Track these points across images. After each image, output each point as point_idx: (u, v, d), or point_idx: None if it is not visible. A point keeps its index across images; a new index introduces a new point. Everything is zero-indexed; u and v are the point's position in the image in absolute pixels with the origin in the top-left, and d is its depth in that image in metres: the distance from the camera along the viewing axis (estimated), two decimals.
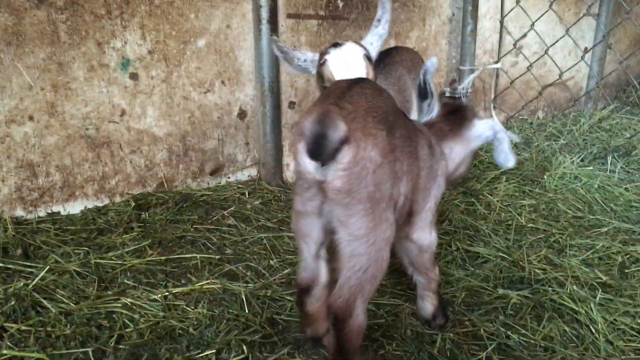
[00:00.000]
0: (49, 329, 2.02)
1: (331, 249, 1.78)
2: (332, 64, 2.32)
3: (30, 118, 2.81)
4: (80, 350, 1.93)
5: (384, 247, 1.69)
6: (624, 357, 2.07)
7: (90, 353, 1.91)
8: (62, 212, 2.98)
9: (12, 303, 2.10)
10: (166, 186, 3.24)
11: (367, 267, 1.67)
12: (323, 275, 1.88)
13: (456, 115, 2.26)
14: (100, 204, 3.07)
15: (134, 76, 3.01)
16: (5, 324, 2.01)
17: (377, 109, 1.69)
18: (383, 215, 1.66)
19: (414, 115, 2.76)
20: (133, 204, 3.01)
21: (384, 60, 3.04)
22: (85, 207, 3.03)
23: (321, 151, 1.54)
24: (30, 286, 2.21)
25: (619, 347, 2.12)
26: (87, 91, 2.91)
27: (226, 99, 3.31)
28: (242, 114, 3.38)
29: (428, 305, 2.19)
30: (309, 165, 1.60)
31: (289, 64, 2.48)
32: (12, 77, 2.72)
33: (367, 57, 2.38)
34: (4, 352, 1.87)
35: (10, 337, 1.96)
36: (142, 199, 3.11)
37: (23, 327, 2.01)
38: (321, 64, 2.36)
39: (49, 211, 2.95)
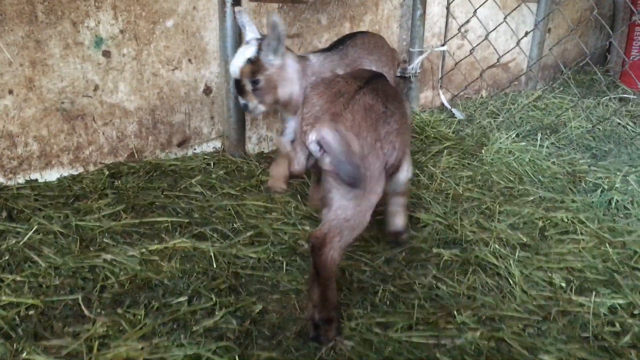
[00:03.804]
0: (40, 279, 2.30)
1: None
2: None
3: (10, 92, 3.02)
4: (70, 297, 2.22)
5: (368, 210, 2.13)
6: (534, 302, 2.46)
7: (80, 299, 2.20)
8: (40, 180, 3.21)
9: (7, 257, 2.38)
10: (136, 156, 3.50)
11: (350, 219, 2.08)
12: None
13: None
14: (75, 172, 3.31)
15: (106, 54, 3.24)
16: (1, 275, 2.29)
17: (372, 115, 2.12)
18: (372, 188, 2.10)
19: None
20: (107, 173, 3.27)
21: (345, 41, 3.33)
22: (61, 175, 3.27)
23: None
24: (21, 243, 2.48)
25: (532, 296, 2.49)
26: (62, 67, 3.13)
27: (193, 76, 3.57)
28: (207, 90, 3.65)
29: (399, 220, 2.68)
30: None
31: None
32: None
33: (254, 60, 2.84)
34: (3, 298, 2.15)
35: (7, 287, 2.24)
36: (114, 168, 3.36)
37: (18, 278, 2.28)
38: None
39: (27, 178, 3.18)
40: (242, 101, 2.96)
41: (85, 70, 3.20)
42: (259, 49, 2.83)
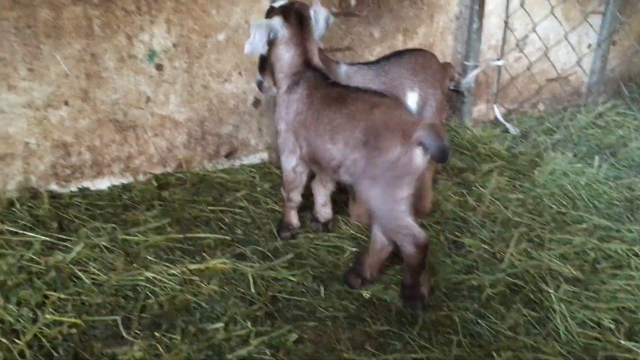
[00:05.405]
0: (83, 297, 2.36)
1: None
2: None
3: (66, 103, 3.11)
4: (110, 317, 2.27)
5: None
6: (580, 345, 2.35)
7: (119, 320, 2.25)
8: (92, 188, 3.30)
9: (53, 274, 2.46)
10: (185, 167, 3.55)
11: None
12: None
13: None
14: (125, 182, 3.39)
15: (159, 67, 3.29)
16: (47, 292, 2.36)
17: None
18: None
19: None
20: (155, 184, 3.33)
21: (390, 58, 3.25)
22: (111, 184, 3.35)
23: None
24: (68, 260, 2.55)
25: (577, 337, 2.38)
26: (116, 80, 3.20)
27: (242, 89, 3.59)
28: (256, 103, 3.67)
29: None
30: None
31: None
32: (51, 66, 3.01)
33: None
34: (47, 317, 2.22)
35: (52, 304, 2.31)
36: (162, 178, 3.43)
37: (62, 296, 2.35)
38: None
39: (80, 187, 3.28)
40: (258, 78, 2.95)
41: (138, 83, 3.27)
42: None
